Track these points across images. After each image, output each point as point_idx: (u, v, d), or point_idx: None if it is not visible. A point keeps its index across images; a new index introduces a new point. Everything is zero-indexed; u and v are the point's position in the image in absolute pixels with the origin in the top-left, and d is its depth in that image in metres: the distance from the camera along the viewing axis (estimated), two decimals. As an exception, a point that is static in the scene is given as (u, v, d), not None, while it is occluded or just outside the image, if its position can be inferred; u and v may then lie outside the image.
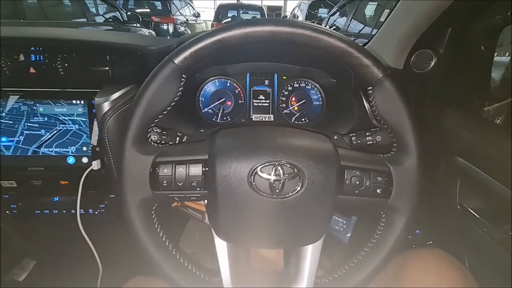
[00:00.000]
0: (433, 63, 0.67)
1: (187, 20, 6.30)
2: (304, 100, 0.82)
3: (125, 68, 0.62)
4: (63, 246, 0.79)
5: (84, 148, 0.61)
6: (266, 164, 0.41)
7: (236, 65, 0.80)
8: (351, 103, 0.71)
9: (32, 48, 0.58)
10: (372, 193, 0.44)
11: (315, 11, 6.15)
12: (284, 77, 0.82)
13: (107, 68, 0.60)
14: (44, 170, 0.61)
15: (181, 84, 0.43)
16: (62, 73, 0.60)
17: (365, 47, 0.69)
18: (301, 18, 6.04)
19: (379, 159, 0.46)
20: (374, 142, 0.57)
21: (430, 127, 0.66)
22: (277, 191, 0.41)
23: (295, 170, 0.41)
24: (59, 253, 0.82)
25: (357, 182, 0.44)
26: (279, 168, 0.41)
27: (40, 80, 0.60)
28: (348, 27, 3.40)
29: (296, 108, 0.83)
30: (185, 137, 0.60)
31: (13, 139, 0.60)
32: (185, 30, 6.06)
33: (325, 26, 3.91)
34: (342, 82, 0.72)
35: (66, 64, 0.59)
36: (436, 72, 0.67)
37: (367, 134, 0.58)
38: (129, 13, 3.92)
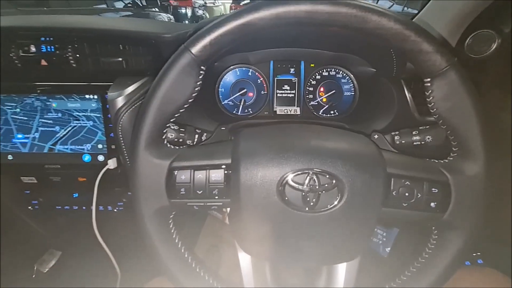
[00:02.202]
0: (495, 45, 0.56)
1: (205, 3, 6.15)
2: (334, 91, 0.74)
3: (139, 59, 0.56)
4: (83, 241, 0.79)
5: (100, 146, 0.58)
6: (299, 172, 0.35)
7: (258, 52, 0.72)
8: (390, 94, 0.62)
9: (43, 39, 0.54)
10: (424, 207, 0.37)
11: None
12: (312, 65, 0.74)
13: (120, 59, 0.55)
14: (61, 168, 0.59)
15: (200, 77, 0.37)
16: (74, 65, 0.56)
17: (415, 19, 0.59)
18: None
19: (434, 166, 0.38)
20: (422, 142, 0.49)
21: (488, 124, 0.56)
22: (311, 204, 0.35)
23: (333, 181, 0.35)
24: (79, 248, 0.83)
25: (407, 194, 0.37)
26: (314, 177, 0.35)
27: (52, 73, 0.56)
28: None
29: (324, 100, 0.75)
30: (205, 134, 0.55)
31: (28, 136, 0.57)
32: (204, 13, 5.93)
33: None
34: (382, 70, 0.63)
35: (77, 55, 0.55)
36: (499, 56, 0.56)
37: (413, 133, 0.49)
38: (147, -3, 3.85)
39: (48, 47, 0.55)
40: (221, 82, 0.74)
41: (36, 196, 0.69)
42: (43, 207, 0.70)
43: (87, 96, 0.55)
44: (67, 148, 0.58)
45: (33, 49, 0.55)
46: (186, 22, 5.43)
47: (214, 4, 6.83)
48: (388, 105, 0.62)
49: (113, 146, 0.58)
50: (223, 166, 0.38)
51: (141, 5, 3.69)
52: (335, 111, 0.75)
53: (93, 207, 0.58)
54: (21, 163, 0.59)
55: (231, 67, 0.73)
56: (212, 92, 0.74)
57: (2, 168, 0.60)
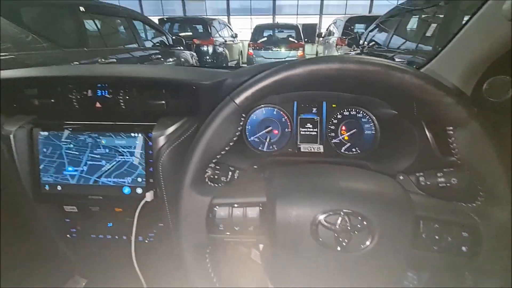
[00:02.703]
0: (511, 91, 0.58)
1: (225, 41, 6.59)
2: (355, 129, 0.77)
3: (179, 101, 0.63)
4: (113, 270, 0.82)
5: (139, 179, 0.63)
6: (331, 213, 0.37)
7: (283, 94, 0.78)
8: (411, 134, 0.64)
9: (99, 85, 0.63)
10: (455, 251, 0.38)
11: (352, 27, 6.05)
12: (334, 105, 0.78)
13: (163, 101, 0.62)
14: (102, 199, 0.64)
15: (241, 123, 0.42)
16: (123, 106, 0.63)
17: (424, 68, 0.63)
18: (337, 34, 5.97)
19: (462, 210, 0.39)
20: (447, 184, 0.50)
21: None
22: (344, 244, 0.37)
23: (364, 222, 0.37)
24: (108, 276, 0.85)
25: (437, 237, 0.38)
26: (346, 218, 0.37)
27: (104, 114, 0.64)
28: (389, 42, 3.26)
29: (346, 138, 0.78)
30: (237, 171, 0.59)
31: (77, 169, 0.64)
32: (223, 51, 6.34)
33: (363, 42, 3.80)
34: (403, 113, 0.66)
35: (127, 98, 0.63)
36: (519, 101, 0.58)
37: (438, 174, 0.51)
38: (174, 37, 4.21)
39: (103, 91, 0.63)
40: (248, 120, 0.80)
41: (74, 224, 0.74)
42: (80, 235, 0.74)
43: (132, 134, 0.62)
44: (110, 181, 0.63)
45: (90, 93, 0.63)
46: (207, 57, 5.81)
47: (233, 42, 7.30)
48: (410, 144, 0.64)
49: (151, 180, 0.62)
50: (259, 204, 0.41)
51: (168, 44, 4.02)
52: (357, 148, 0.78)
53: (133, 238, 0.62)
54: (68, 193, 0.64)
55: (258, 106, 0.79)
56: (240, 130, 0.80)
57: (50, 198, 0.66)
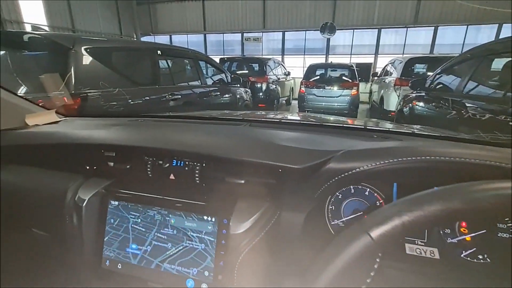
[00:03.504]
0: None
1: (278, 78, 6.78)
2: (484, 231, 0.56)
3: (262, 182, 0.53)
4: None
5: (206, 273, 0.52)
6: None
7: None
8: None
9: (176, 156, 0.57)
10: None
11: (412, 67, 5.72)
12: None
13: (243, 181, 0.53)
14: (162, 289, 0.54)
15: (375, 266, 0.28)
16: (197, 181, 0.55)
17: None
18: (395, 74, 5.67)
19: None
20: None
21: None
22: None
23: None
24: None
25: None
26: None
27: (177, 188, 0.56)
28: (464, 87, 2.89)
29: (468, 239, 0.57)
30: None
31: (141, 248, 0.56)
32: (276, 88, 6.49)
33: (429, 85, 3.47)
34: None
35: (203, 173, 0.55)
36: None
37: None
38: (232, 75, 4.45)
39: (179, 162, 0.56)
40: (332, 200, 0.65)
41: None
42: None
43: (205, 217, 0.52)
44: (173, 269, 0.53)
45: (165, 163, 0.57)
46: (261, 94, 5.98)
47: (285, 79, 7.48)
48: None
49: (220, 277, 0.51)
50: None
51: (226, 81, 4.25)
52: (485, 255, 0.56)
53: None
54: (128, 274, 0.56)
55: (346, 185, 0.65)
56: (322, 210, 0.65)
57: (109, 276, 0.58)
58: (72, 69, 1.85)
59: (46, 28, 8.05)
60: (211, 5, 10.95)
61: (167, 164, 0.57)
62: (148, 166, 0.58)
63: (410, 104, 3.54)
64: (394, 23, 9.33)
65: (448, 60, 3.35)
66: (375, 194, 0.64)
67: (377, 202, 0.63)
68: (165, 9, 11.63)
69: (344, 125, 0.94)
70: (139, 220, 0.56)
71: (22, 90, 1.80)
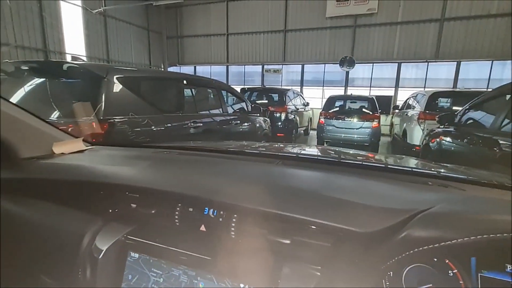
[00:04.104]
0: None
1: (297, 108, 6.80)
2: None
3: (312, 245, 0.43)
4: None
5: None
6: None
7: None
8: None
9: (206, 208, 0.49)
10: None
11: (436, 102, 5.56)
12: None
13: (288, 241, 0.43)
14: None
15: None
16: (233, 236, 0.46)
17: None
18: (418, 108, 5.51)
19: None
20: None
21: None
22: None
23: None
24: None
25: None
26: None
27: (208, 243, 0.47)
28: (501, 124, 2.70)
29: None
30: None
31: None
32: (294, 117, 6.48)
33: (459, 120, 3.29)
34: None
35: (242, 227, 0.46)
36: None
37: None
38: (253, 105, 4.48)
39: (212, 210, 0.48)
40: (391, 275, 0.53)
41: None
42: None
43: (241, 285, 0.42)
44: None
45: (196, 213, 0.49)
46: (279, 123, 5.97)
47: (304, 109, 7.49)
48: None
49: None
50: None
51: (247, 110, 4.28)
52: None
53: None
54: None
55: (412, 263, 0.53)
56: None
57: None
58: (103, 96, 1.90)
59: (84, 58, 8.78)
60: (234, 40, 11.61)
61: (198, 213, 0.49)
62: (176, 213, 0.50)
63: (437, 139, 3.37)
64: (414, 58, 9.33)
65: (478, 96, 3.20)
66: (447, 261, 0.51)
67: (450, 272, 0.51)
68: (191, 43, 12.46)
69: (393, 167, 0.83)
70: (161, 279, 0.47)
71: (55, 115, 1.85)
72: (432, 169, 0.90)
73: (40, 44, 7.92)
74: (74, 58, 2.77)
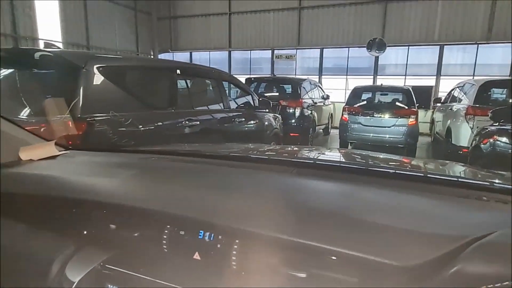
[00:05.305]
0: None
1: (314, 102, 6.77)
2: None
3: (335, 280, 0.41)
4: None
5: None
6: None
7: None
8: None
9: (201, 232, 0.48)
10: None
11: (487, 93, 5.46)
12: None
13: (304, 275, 0.42)
14: None
15: None
16: (234, 267, 0.45)
17: None
18: (466, 101, 5.40)
19: None
20: None
21: None
22: None
23: None
24: None
25: None
26: None
27: (203, 274, 0.47)
28: None
29: None
30: None
31: None
32: (311, 114, 6.46)
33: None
34: None
35: (243, 256, 0.45)
36: None
37: None
38: (260, 99, 4.49)
39: (208, 235, 0.47)
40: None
41: None
42: None
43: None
44: None
45: (187, 236, 0.48)
46: (293, 121, 5.96)
47: (323, 104, 7.44)
48: None
49: None
50: None
51: (253, 105, 4.28)
52: None
53: None
54: None
55: None
56: None
57: None
58: (81, 90, 1.93)
59: (60, 45, 8.97)
60: (238, 19, 11.66)
61: (191, 237, 0.48)
62: (165, 237, 0.50)
63: (491, 140, 3.30)
64: (460, 39, 9.19)
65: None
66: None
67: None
68: (187, 24, 12.59)
69: (436, 177, 0.81)
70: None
71: (25, 113, 1.89)
72: (486, 179, 0.88)
73: (8, 29, 8.16)
74: (47, 44, 2.83)
